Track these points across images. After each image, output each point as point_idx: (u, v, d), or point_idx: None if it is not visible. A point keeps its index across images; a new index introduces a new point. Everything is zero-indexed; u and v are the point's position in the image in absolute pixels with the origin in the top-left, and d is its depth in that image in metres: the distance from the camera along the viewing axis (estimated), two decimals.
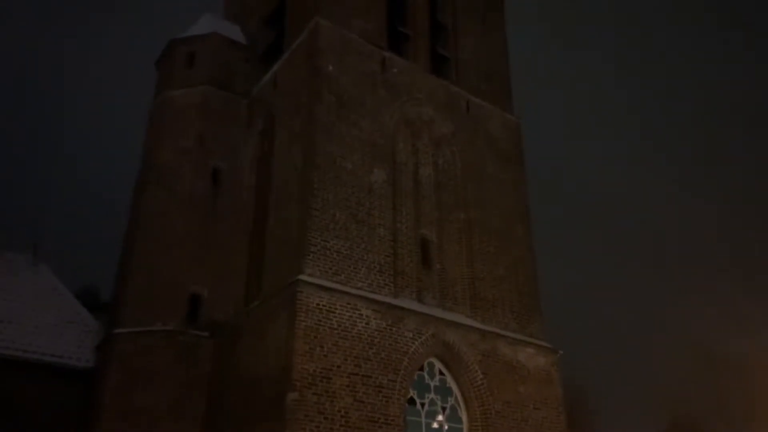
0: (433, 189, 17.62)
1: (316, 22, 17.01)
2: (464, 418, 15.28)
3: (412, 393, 14.66)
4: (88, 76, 60.99)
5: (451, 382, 15.46)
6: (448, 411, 15.16)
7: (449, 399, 15.34)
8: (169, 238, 16.74)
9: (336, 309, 13.68)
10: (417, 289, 15.89)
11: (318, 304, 13.46)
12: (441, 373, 15.44)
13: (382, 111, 17.14)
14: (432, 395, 15.09)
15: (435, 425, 14.85)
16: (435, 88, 18.79)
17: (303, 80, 16.87)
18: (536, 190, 21.61)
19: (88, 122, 57.40)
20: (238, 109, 19.07)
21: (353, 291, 14.18)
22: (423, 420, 14.70)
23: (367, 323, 13.99)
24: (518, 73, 22.12)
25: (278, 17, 20.12)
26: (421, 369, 15.03)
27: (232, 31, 20.53)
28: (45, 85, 58.24)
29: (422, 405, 14.82)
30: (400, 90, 17.82)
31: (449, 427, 15.02)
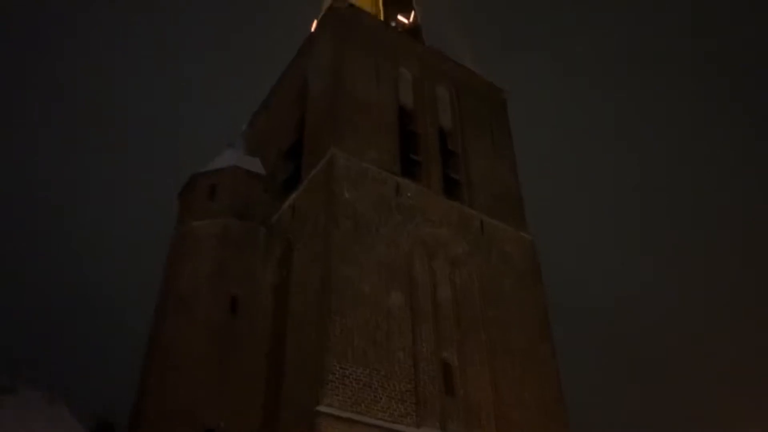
0: (452, 309, 17.49)
1: (332, 153, 17.80)
2: None
3: None
4: (108, 204, 63.22)
5: None
6: None
7: None
8: (186, 367, 16.55)
9: None
10: (440, 417, 15.31)
11: None
12: None
13: (397, 234, 17.44)
14: None
15: None
16: (448, 210, 19.19)
17: (320, 207, 17.36)
18: (558, 307, 21.32)
19: (108, 252, 58.79)
20: (257, 237, 19.49)
21: (374, 422, 13.71)
22: None
23: None
24: (531, 191, 22.65)
25: (296, 149, 21.08)
26: None
27: (252, 163, 21.45)
28: (66, 213, 60.28)
29: None
30: (414, 213, 18.22)
31: None
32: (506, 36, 69.89)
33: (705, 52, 67.31)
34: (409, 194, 18.47)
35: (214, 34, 74.45)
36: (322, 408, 13.21)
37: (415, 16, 26.53)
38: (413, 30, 25.69)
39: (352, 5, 22.91)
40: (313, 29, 24.69)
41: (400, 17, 25.62)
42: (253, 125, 25.13)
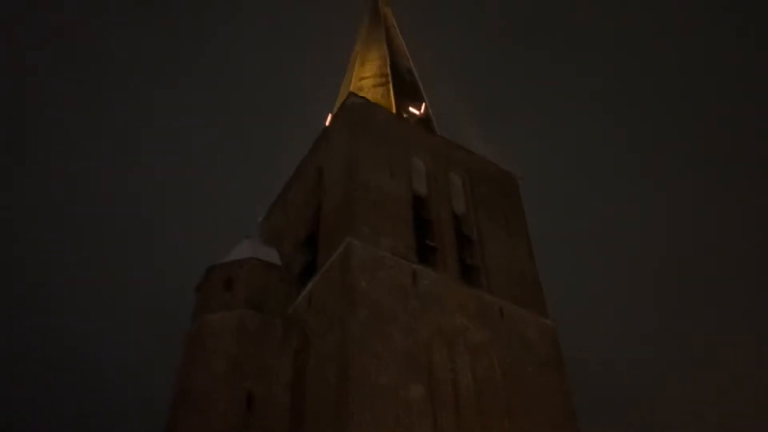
0: (474, 399, 16.95)
1: (347, 241, 17.93)
2: None
3: None
4: (123, 296, 63.38)
5: None
6: None
7: None
8: None
9: None
10: None
11: None
12: None
13: (415, 323, 17.23)
14: None
15: None
16: (466, 297, 19.02)
17: (337, 297, 17.30)
18: (582, 393, 20.62)
19: (122, 347, 58.39)
20: (273, 329, 19.31)
21: None
22: None
23: None
24: (548, 274, 22.47)
25: (312, 239, 21.29)
26: None
27: (268, 254, 21.61)
28: (77, 308, 60.41)
29: None
30: (432, 301, 18.07)
31: None
32: (515, 119, 71.57)
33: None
34: (426, 281, 18.40)
35: (231, 127, 77.22)
36: None
37: (425, 107, 27.44)
38: (424, 120, 26.49)
39: (365, 100, 23.83)
40: (328, 123, 25.56)
41: (411, 109, 26.49)
42: (270, 216, 25.55)
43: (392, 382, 15.54)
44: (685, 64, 71.61)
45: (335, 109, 25.46)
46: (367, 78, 27.89)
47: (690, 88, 70.11)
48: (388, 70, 27.75)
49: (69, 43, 72.13)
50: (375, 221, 19.01)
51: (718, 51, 70.20)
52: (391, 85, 26.91)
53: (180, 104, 75.20)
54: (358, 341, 15.81)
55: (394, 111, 25.42)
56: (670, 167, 69.72)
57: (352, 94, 23.52)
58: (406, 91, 27.29)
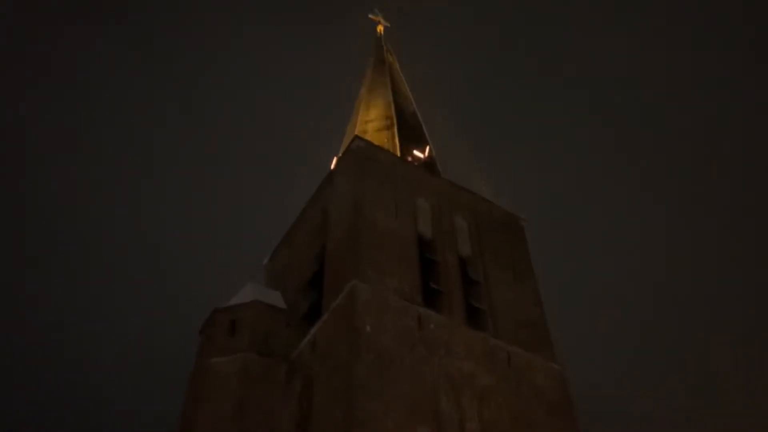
0: None
1: (353, 284, 17.82)
2: None
3: None
4: (126, 340, 62.78)
5: None
6: None
7: None
8: None
9: None
10: None
11: None
12: None
13: (421, 367, 16.97)
14: None
15: None
16: (473, 341, 18.78)
17: (342, 341, 17.10)
18: None
19: (124, 391, 57.55)
20: (278, 373, 19.07)
21: None
22: None
23: None
24: (554, 317, 22.23)
25: (317, 281, 21.17)
26: None
27: (273, 297, 21.49)
28: (81, 351, 59.79)
29: None
30: (438, 345, 17.84)
31: None
32: (519, 161, 71.99)
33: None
34: (432, 325, 18.20)
35: (237, 170, 77.87)
36: None
37: (430, 150, 27.65)
38: (429, 163, 26.65)
39: (370, 143, 24.05)
40: (333, 166, 25.75)
41: (415, 152, 26.70)
42: (275, 258, 25.50)
43: (398, 428, 15.22)
44: (693, 121, 71.96)
45: (341, 152, 25.69)
46: (372, 122, 28.23)
47: (698, 146, 69.99)
48: (393, 114, 28.10)
49: (60, 95, 73.28)
50: (380, 263, 18.93)
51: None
52: (395, 129, 27.19)
53: (185, 145, 76.18)
54: (364, 386, 15.56)
55: (398, 154, 25.62)
56: (681, 209, 69.75)
57: (357, 138, 23.74)
58: (411, 135, 27.56)
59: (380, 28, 35.61)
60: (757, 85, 67.23)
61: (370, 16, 36.28)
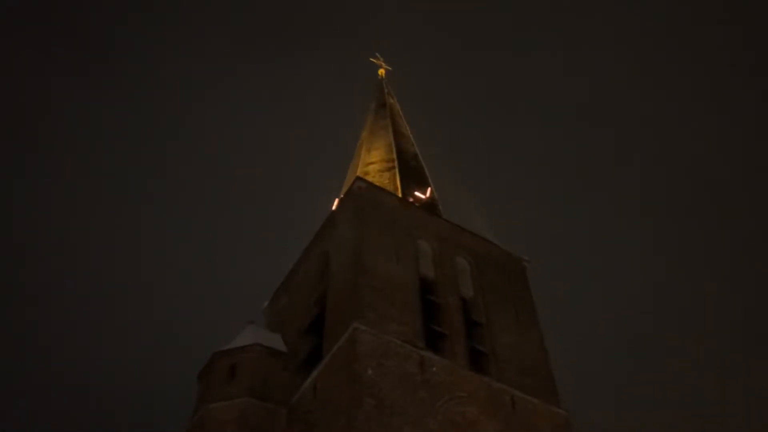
0: None
1: (354, 327, 17.57)
2: None
3: None
4: (124, 385, 61.76)
5: None
6: None
7: None
8: None
9: None
10: None
11: None
12: None
13: (424, 413, 16.59)
14: None
15: None
16: (477, 386, 18.41)
17: (342, 386, 16.78)
18: None
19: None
20: (278, 419, 18.66)
21: None
22: None
23: None
24: (559, 360, 21.87)
25: (318, 324, 20.90)
26: None
27: (273, 340, 21.20)
28: (78, 394, 58.78)
29: None
30: (441, 390, 17.48)
31: None
32: (521, 201, 72.03)
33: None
34: (434, 369, 17.88)
35: (236, 211, 77.94)
36: None
37: (431, 191, 27.70)
38: (430, 204, 26.66)
39: (372, 184, 24.09)
40: (334, 207, 25.74)
41: (417, 193, 26.74)
42: (275, 302, 25.25)
43: None
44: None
45: (342, 194, 25.72)
46: (373, 164, 28.36)
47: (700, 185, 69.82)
48: (394, 156, 28.24)
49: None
50: (381, 307, 18.71)
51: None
52: (397, 170, 27.29)
53: (184, 186, 76.52)
54: None
55: (400, 195, 25.64)
56: (687, 250, 69.22)
57: (358, 179, 23.79)
58: (412, 176, 27.65)
59: (381, 72, 36.13)
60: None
61: (372, 59, 36.87)
